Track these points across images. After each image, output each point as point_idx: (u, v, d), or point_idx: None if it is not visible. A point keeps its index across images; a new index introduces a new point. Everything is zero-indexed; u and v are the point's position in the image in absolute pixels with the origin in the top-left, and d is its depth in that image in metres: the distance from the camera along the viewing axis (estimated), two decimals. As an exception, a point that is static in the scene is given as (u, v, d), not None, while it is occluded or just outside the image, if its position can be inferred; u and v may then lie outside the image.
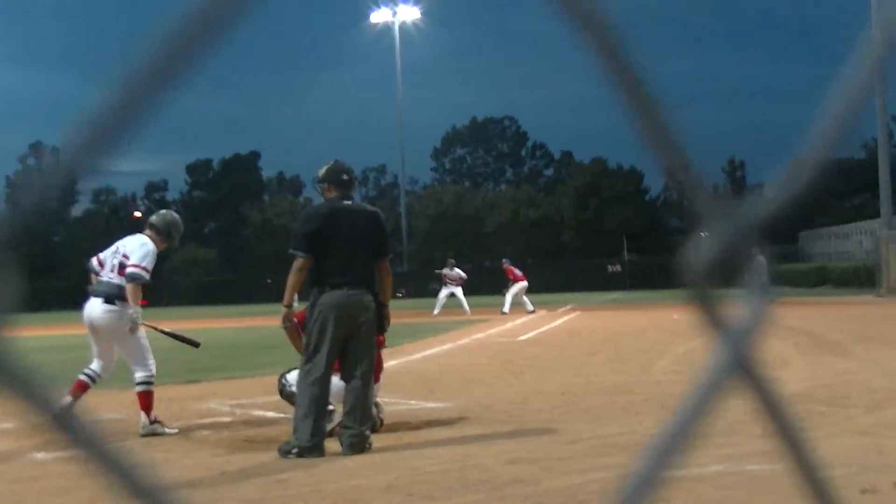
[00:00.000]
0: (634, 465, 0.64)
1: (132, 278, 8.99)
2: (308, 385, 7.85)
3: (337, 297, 7.92)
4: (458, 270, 34.64)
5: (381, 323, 8.27)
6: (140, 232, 9.45)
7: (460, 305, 33.52)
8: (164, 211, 10.02)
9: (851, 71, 0.66)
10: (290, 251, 8.09)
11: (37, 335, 26.40)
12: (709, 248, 0.57)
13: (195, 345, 10.01)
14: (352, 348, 8.01)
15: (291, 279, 8.06)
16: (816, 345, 16.57)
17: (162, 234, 9.48)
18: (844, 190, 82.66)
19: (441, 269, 35.74)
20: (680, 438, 0.54)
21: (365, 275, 8.12)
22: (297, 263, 8.01)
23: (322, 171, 8.39)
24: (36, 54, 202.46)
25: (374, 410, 8.42)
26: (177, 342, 10.14)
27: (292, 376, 8.52)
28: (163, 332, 9.86)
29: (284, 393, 8.77)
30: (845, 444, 7.33)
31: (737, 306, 0.60)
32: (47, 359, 16.07)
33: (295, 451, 7.57)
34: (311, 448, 7.61)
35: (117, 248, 9.26)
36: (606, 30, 0.68)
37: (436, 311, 33.11)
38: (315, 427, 7.71)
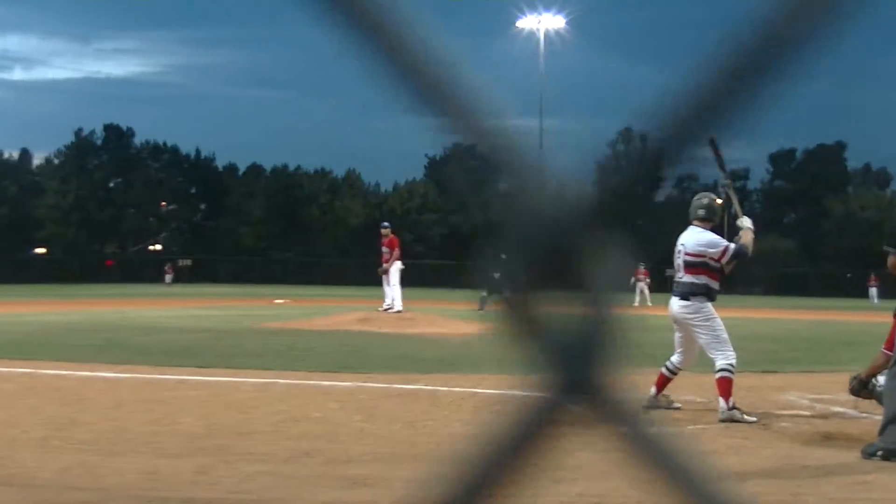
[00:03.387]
0: None
1: (735, 257, 9.43)
2: (898, 387, 7.51)
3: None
4: None
5: None
6: (692, 225, 9.70)
7: None
8: (697, 197, 10.04)
9: None
10: (884, 248, 7.82)
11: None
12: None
13: None
14: None
15: None
16: None
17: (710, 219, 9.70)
18: None
19: None
20: None
21: None
22: (891, 260, 7.73)
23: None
24: (625, 46, 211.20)
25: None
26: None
27: (882, 376, 8.21)
28: None
29: (875, 393, 8.43)
30: None
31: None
32: (649, 338, 18.28)
33: (880, 453, 7.30)
34: (898, 452, 7.29)
35: (678, 247, 9.63)
36: None
37: None
38: (903, 431, 7.37)
